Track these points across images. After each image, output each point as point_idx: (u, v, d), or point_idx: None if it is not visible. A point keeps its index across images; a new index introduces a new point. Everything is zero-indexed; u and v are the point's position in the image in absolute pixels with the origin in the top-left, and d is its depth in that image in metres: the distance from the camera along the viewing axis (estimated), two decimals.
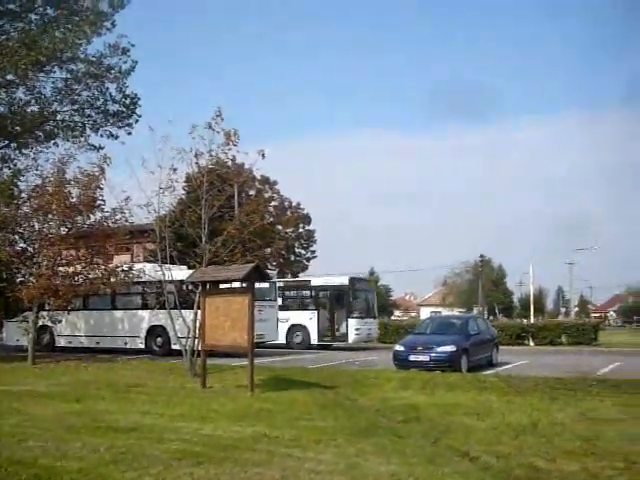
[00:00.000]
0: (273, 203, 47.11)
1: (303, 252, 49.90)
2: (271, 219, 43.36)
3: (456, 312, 64.15)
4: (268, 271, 26.62)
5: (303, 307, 31.93)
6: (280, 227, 46.33)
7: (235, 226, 18.53)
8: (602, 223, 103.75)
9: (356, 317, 30.76)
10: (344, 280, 31.37)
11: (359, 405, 12.03)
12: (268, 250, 39.70)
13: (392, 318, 66.46)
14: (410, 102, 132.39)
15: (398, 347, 19.68)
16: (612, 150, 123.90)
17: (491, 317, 68.19)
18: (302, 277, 34.61)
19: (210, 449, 8.09)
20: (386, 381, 15.39)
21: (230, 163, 19.57)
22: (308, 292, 32.28)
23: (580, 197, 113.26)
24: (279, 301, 30.51)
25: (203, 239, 17.40)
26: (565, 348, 31.06)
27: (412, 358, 18.59)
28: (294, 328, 31.16)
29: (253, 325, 13.39)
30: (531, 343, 33.16)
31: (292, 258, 48.97)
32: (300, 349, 29.57)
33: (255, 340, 14.33)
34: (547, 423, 9.96)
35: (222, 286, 15.09)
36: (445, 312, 64.98)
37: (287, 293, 32.19)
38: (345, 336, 30.62)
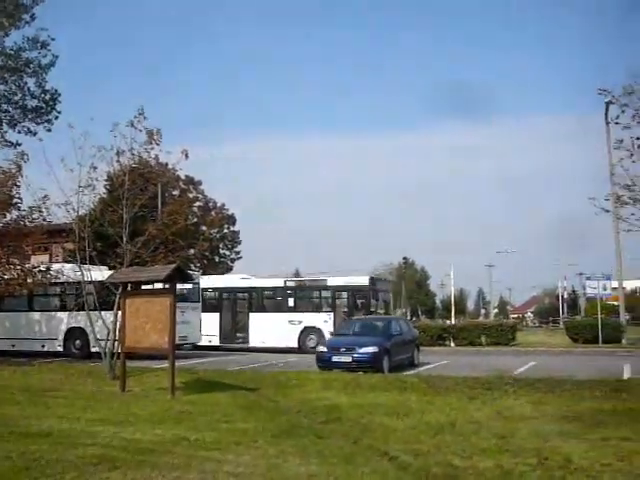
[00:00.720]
0: (197, 203, 46.59)
1: (227, 253, 49.52)
2: (195, 219, 42.85)
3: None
4: (191, 272, 26.16)
5: (318, 308, 30.04)
6: (204, 228, 45.84)
7: (157, 226, 18.24)
8: (520, 225, 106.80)
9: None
10: (364, 280, 29.26)
11: (281, 406, 12.02)
12: (192, 251, 39.23)
13: None
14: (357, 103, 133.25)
15: (321, 348, 19.78)
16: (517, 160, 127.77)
17: (414, 318, 69.33)
18: (315, 277, 32.29)
19: (128, 453, 7.92)
20: (308, 382, 15.41)
21: (153, 162, 19.21)
22: (324, 292, 30.23)
23: (497, 200, 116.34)
24: (290, 302, 29.86)
25: (124, 239, 17.04)
26: (484, 348, 31.82)
27: (335, 359, 18.69)
28: (307, 331, 29.17)
29: (174, 327, 13.19)
30: (452, 344, 33.86)
31: (216, 259, 48.53)
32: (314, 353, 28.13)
33: (177, 342, 14.11)
34: (464, 422, 10.18)
35: (143, 287, 14.81)
36: None
37: (299, 293, 30.41)
38: None
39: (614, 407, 11.37)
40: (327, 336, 27.61)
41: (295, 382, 15.50)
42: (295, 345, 28.85)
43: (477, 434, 9.18)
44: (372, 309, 28.37)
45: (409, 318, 62.05)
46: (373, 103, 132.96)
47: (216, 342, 30.73)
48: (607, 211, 14.00)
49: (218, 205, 48.28)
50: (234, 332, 31.12)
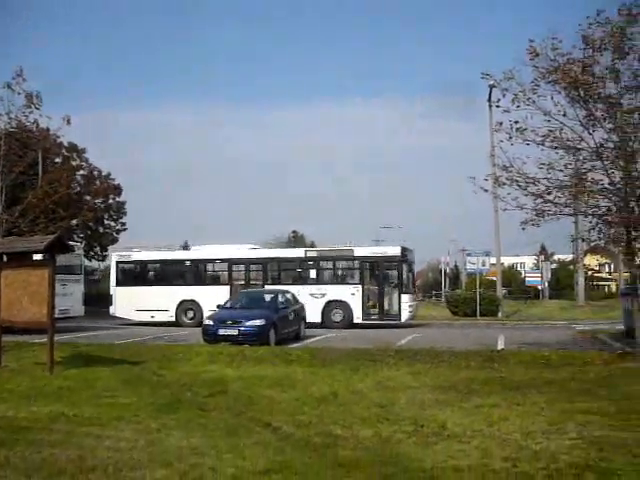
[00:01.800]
0: (81, 172, 44.85)
1: (113, 224, 48.09)
2: (78, 189, 41.26)
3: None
4: (73, 243, 25.29)
5: (343, 281, 28.56)
6: (88, 197, 44.27)
7: (37, 195, 17.48)
8: (410, 200, 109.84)
9: (408, 292, 27.59)
10: (396, 250, 27.31)
11: (165, 380, 11.88)
12: (74, 221, 37.80)
13: None
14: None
15: (207, 321, 19.68)
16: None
17: None
18: (341, 246, 29.65)
19: (2, 431, 7.63)
20: (194, 356, 15.32)
21: (33, 127, 18.35)
22: (350, 263, 28.37)
23: (386, 177, 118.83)
24: (312, 274, 28.14)
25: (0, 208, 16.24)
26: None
27: (221, 332, 18.66)
28: (332, 304, 27.38)
29: (53, 299, 12.72)
30: None
31: (101, 230, 47.03)
32: (340, 328, 26.17)
33: (57, 315, 13.64)
34: (347, 392, 10.45)
35: (21, 259, 14.17)
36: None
37: (322, 264, 28.59)
38: (397, 314, 26.93)
39: (487, 376, 11.99)
40: (355, 310, 27.17)
41: (181, 356, 15.37)
42: (318, 320, 26.88)
43: (358, 404, 9.45)
44: (404, 282, 27.18)
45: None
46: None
47: None
48: (486, 190, 14.61)
49: (103, 174, 46.68)
50: None
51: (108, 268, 65.05)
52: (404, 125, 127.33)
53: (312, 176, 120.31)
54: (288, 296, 22.00)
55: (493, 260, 38.16)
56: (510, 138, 14.28)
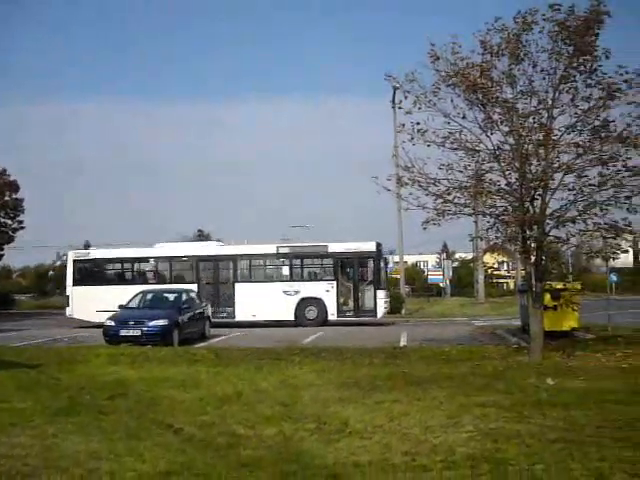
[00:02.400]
0: None
1: (9, 222, 46.11)
2: None
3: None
4: None
5: (318, 277, 27.94)
6: None
7: None
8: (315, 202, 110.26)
9: (383, 288, 27.40)
10: (371, 246, 27.13)
11: (63, 384, 11.51)
12: None
13: None
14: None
15: (108, 322, 19.16)
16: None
17: None
18: (315, 243, 28.82)
19: None
20: (94, 357, 14.91)
21: None
22: (324, 259, 27.82)
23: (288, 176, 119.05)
24: (285, 270, 27.30)
25: None
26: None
27: (123, 333, 18.25)
28: (305, 302, 26.96)
29: None
30: None
31: None
32: (314, 325, 25.71)
33: None
34: (251, 391, 10.43)
35: None
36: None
37: (295, 261, 27.92)
38: (373, 310, 26.76)
39: (389, 372, 12.22)
40: (329, 307, 26.71)
41: (81, 358, 14.94)
42: (291, 317, 26.80)
43: (262, 403, 9.44)
44: (379, 278, 27.05)
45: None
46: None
47: None
48: (389, 190, 14.86)
49: None
50: (217, 305, 27.36)
51: (7, 267, 62.03)
52: (312, 125, 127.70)
53: (218, 175, 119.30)
54: (192, 295, 21.74)
55: (397, 258, 38.97)
56: (412, 139, 14.56)
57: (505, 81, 14.26)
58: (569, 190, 14.12)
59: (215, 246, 30.08)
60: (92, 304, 26.98)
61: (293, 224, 65.03)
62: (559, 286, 17.56)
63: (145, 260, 29.67)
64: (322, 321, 26.61)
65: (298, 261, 28.02)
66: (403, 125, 14.91)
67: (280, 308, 26.63)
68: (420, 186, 14.56)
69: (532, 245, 14.62)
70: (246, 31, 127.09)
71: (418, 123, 14.41)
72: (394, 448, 6.80)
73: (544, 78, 14.01)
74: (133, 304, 20.93)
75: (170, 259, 28.94)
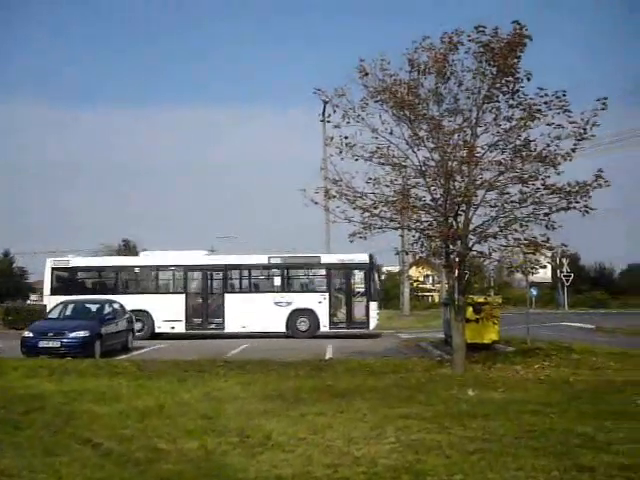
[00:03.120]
0: None
1: None
2: None
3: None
4: None
5: (310, 288, 27.34)
6: None
7: None
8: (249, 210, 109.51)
9: (375, 300, 27.13)
10: (364, 257, 26.47)
11: None
12: None
13: (28, 302, 62.30)
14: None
15: (26, 333, 18.51)
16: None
17: None
18: (307, 254, 28.29)
19: None
20: (11, 370, 14.39)
21: None
22: (317, 271, 27.42)
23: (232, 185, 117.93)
24: (276, 281, 26.30)
25: None
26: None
27: (42, 344, 17.68)
28: (298, 313, 26.53)
29: None
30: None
31: None
32: (306, 337, 25.57)
33: None
34: (173, 404, 10.27)
35: None
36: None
37: (288, 271, 27.32)
38: (365, 322, 26.57)
39: (314, 385, 12.23)
40: (322, 319, 26.23)
41: None
42: (282, 329, 26.43)
43: (185, 416, 9.31)
44: (372, 290, 26.74)
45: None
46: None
47: (181, 329, 26.93)
48: (316, 203, 14.94)
49: None
50: (206, 316, 27.12)
51: None
52: (237, 134, 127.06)
53: (144, 183, 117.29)
54: (116, 306, 21.23)
55: None
56: (340, 153, 14.72)
57: (432, 99, 14.58)
58: (491, 206, 14.54)
59: (203, 255, 29.20)
60: None
61: (223, 234, 64.36)
62: (481, 300, 18.01)
63: (130, 269, 28.53)
64: (314, 333, 26.48)
65: (290, 272, 27.68)
66: (332, 138, 15.07)
67: (271, 319, 26.26)
68: (347, 199, 14.72)
69: (455, 259, 14.96)
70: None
71: (346, 137, 14.59)
72: (316, 461, 6.80)
73: (469, 97, 14.40)
74: (53, 315, 20.31)
75: (157, 268, 28.03)
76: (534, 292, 48.06)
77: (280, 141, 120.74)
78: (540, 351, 17.06)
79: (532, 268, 14.92)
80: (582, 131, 13.73)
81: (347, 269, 27.15)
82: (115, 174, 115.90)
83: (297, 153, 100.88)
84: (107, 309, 20.39)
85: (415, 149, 14.75)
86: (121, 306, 21.64)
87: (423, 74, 14.42)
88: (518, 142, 14.27)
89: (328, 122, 15.69)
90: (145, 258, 29.01)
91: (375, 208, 14.67)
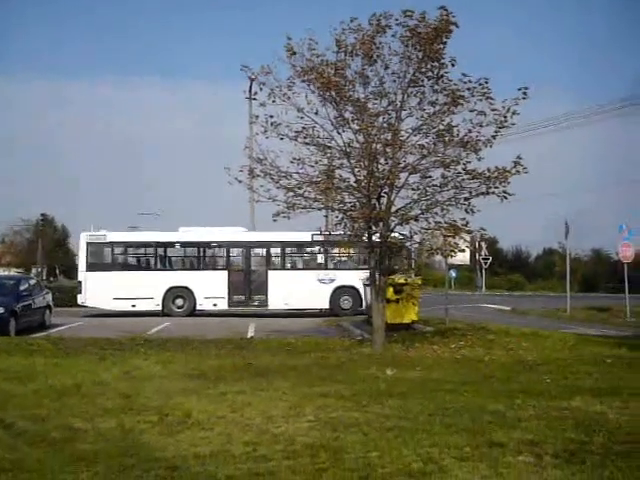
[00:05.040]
0: None
1: None
2: None
3: (13, 272, 60.60)
4: None
5: (353, 266, 26.48)
6: None
7: None
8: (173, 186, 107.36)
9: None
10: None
11: None
12: None
13: None
14: None
15: None
16: None
17: (51, 278, 66.12)
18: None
19: None
20: None
21: None
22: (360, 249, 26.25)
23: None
24: (319, 258, 25.49)
25: None
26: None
27: None
28: (341, 290, 26.23)
29: None
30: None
31: None
32: (350, 315, 25.05)
33: None
34: (91, 383, 10.10)
35: None
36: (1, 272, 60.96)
37: (331, 249, 26.48)
38: None
39: (235, 363, 12.27)
40: (364, 296, 24.56)
41: None
42: (326, 306, 26.29)
43: (103, 395, 9.18)
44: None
45: (45, 278, 58.95)
46: None
47: (223, 306, 26.52)
48: (240, 181, 14.87)
49: None
50: (248, 294, 26.79)
51: None
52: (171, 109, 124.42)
53: (64, 156, 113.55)
54: (32, 282, 20.66)
55: None
56: (265, 132, 14.67)
57: (358, 81, 14.67)
58: (413, 189, 14.81)
59: (244, 232, 28.64)
60: (109, 291, 25.66)
61: (147, 210, 63.15)
62: (401, 281, 18.35)
63: (170, 245, 27.81)
64: (356, 311, 25.97)
65: (333, 250, 27.07)
66: (257, 117, 15.01)
67: (314, 297, 26.19)
68: (272, 179, 14.72)
69: (377, 241, 15.18)
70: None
71: (272, 116, 14.56)
72: (236, 439, 6.83)
73: (394, 80, 14.56)
74: None
75: (198, 244, 27.46)
76: (453, 274, 49.39)
77: (207, 117, 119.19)
78: (457, 331, 17.55)
79: (451, 251, 15.29)
80: (503, 119, 14.10)
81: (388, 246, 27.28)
82: (43, 149, 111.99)
83: (225, 130, 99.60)
84: (23, 285, 19.79)
85: (340, 130, 14.85)
86: (37, 282, 21.03)
87: (350, 55, 14.49)
88: (441, 127, 14.54)
89: (254, 100, 15.62)
90: (185, 234, 28.10)
91: (299, 188, 14.72)
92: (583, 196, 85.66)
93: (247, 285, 27.23)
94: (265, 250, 27.72)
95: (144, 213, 63.40)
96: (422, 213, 14.85)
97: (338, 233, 15.73)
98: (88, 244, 27.02)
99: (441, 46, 14.15)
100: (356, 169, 14.75)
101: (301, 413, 8.03)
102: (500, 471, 5.70)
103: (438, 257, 17.59)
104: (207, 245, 27.88)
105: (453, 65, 14.31)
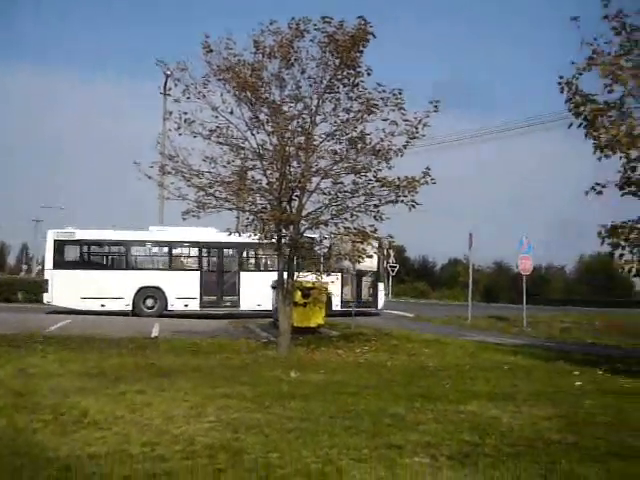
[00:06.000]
0: None
1: None
2: None
3: None
4: None
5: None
6: None
7: None
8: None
9: (382, 281, 28.83)
10: (374, 242, 24.92)
11: None
12: None
13: None
14: None
15: None
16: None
17: None
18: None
19: None
20: None
21: None
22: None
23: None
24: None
25: None
26: (21, 305, 30.49)
27: None
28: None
29: None
30: None
31: None
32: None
33: None
34: None
35: None
36: None
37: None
38: (374, 302, 28.27)
39: (137, 363, 12.02)
40: (335, 299, 26.01)
41: None
42: None
43: None
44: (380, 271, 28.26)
45: None
46: None
47: (195, 307, 26.28)
48: (150, 178, 14.61)
49: None
50: (220, 295, 26.59)
51: None
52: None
53: None
54: None
55: None
56: (179, 128, 14.48)
57: (274, 83, 14.67)
58: (324, 194, 14.92)
59: (217, 233, 27.49)
60: (76, 290, 24.80)
61: (49, 205, 61.10)
62: (309, 285, 18.47)
63: (142, 244, 27.08)
64: (327, 312, 25.62)
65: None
66: (171, 113, 14.79)
67: None
68: (183, 177, 14.53)
69: (287, 244, 15.21)
70: None
71: (186, 113, 14.38)
72: (134, 439, 6.68)
73: (311, 85, 14.63)
74: None
75: (169, 244, 26.61)
76: None
77: (121, 111, 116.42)
78: (362, 336, 17.82)
79: (359, 256, 15.48)
80: (414, 130, 14.41)
81: None
82: None
83: (138, 125, 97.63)
84: None
85: (254, 131, 14.82)
86: None
87: (268, 57, 14.47)
88: (354, 134, 14.71)
89: (168, 95, 15.38)
90: (157, 233, 27.34)
91: (210, 187, 14.59)
92: (487, 211, 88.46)
93: (219, 286, 27.11)
94: (237, 251, 27.51)
95: (46, 206, 61.34)
96: (332, 218, 14.99)
97: (247, 234, 15.59)
98: (55, 241, 26.10)
99: (358, 54, 14.31)
100: (268, 171, 14.74)
101: (202, 414, 7.94)
102: (396, 472, 5.81)
103: (346, 262, 17.76)
104: (179, 245, 27.43)
105: (369, 74, 14.51)
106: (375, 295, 28.70)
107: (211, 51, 14.41)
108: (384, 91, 14.28)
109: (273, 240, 15.21)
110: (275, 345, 15.21)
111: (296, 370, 11.68)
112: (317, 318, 19.11)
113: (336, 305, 27.50)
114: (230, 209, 15.67)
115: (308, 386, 10.24)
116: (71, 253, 26.64)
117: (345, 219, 14.91)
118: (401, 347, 16.11)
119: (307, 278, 16.61)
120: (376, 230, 14.93)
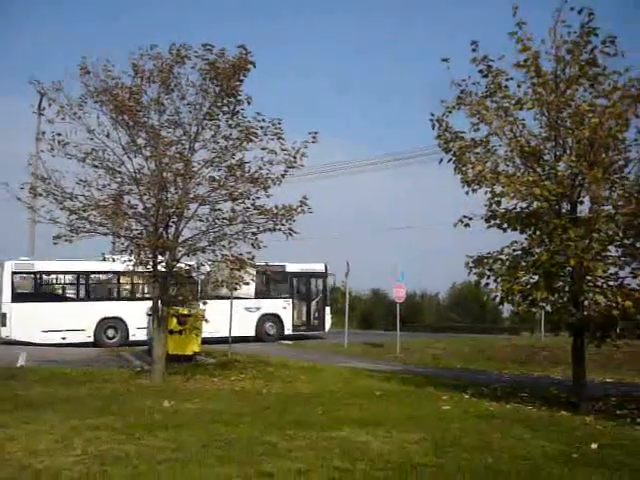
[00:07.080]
0: None
1: None
2: None
3: None
4: None
5: (276, 295, 28.21)
6: None
7: None
8: None
9: (329, 305, 29.69)
10: (321, 267, 29.18)
11: None
12: None
13: None
14: None
15: None
16: None
17: None
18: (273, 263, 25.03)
19: None
20: None
21: None
22: (282, 278, 27.99)
23: None
24: (248, 289, 21.89)
25: None
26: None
27: None
28: (265, 318, 27.59)
29: None
30: None
31: None
32: (273, 341, 27.10)
33: None
34: None
35: None
36: None
37: (258, 280, 24.82)
38: (322, 325, 29.25)
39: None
40: (286, 323, 27.92)
41: None
42: (252, 333, 27.08)
43: None
44: (327, 296, 29.48)
45: None
46: None
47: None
48: (19, 199, 14.06)
49: None
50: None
51: None
52: None
53: None
54: None
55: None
56: (52, 149, 14.05)
57: (153, 108, 14.54)
58: (202, 221, 14.87)
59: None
60: (36, 323, 23.46)
61: None
62: (185, 312, 18.21)
63: (103, 274, 26.00)
64: (279, 336, 27.80)
65: (258, 279, 25.75)
66: (44, 133, 14.34)
67: (243, 324, 25.86)
68: (55, 199, 14.07)
69: (162, 270, 14.99)
70: None
71: (59, 134, 13.98)
72: None
73: (190, 111, 14.63)
74: None
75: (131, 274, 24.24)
76: None
77: None
78: (239, 364, 17.72)
79: (236, 284, 15.46)
80: (292, 159, 14.66)
81: (307, 277, 29.65)
82: None
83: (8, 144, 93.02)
84: None
85: (131, 155, 14.59)
86: None
87: (147, 82, 14.34)
88: (233, 161, 14.78)
89: (42, 115, 14.89)
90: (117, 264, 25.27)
91: (84, 211, 14.19)
92: (365, 239, 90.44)
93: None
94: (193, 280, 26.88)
95: None
96: (210, 245, 14.93)
97: (123, 260, 15.24)
98: (14, 273, 24.50)
99: (238, 83, 14.45)
100: (145, 196, 14.52)
101: (69, 446, 7.67)
102: None
103: (224, 290, 17.67)
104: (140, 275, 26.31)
105: (249, 103, 14.68)
106: (322, 319, 29.73)
107: (88, 72, 14.13)
108: (264, 120, 14.49)
109: (149, 267, 14.92)
110: (149, 373, 14.88)
111: (170, 399, 11.47)
112: (193, 346, 18.82)
113: (288, 329, 28.68)
114: (105, 234, 15.24)
115: (182, 415, 10.10)
116: (30, 285, 25.63)
117: (223, 246, 14.90)
118: (277, 374, 16.15)
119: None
120: (253, 257, 14.99)
